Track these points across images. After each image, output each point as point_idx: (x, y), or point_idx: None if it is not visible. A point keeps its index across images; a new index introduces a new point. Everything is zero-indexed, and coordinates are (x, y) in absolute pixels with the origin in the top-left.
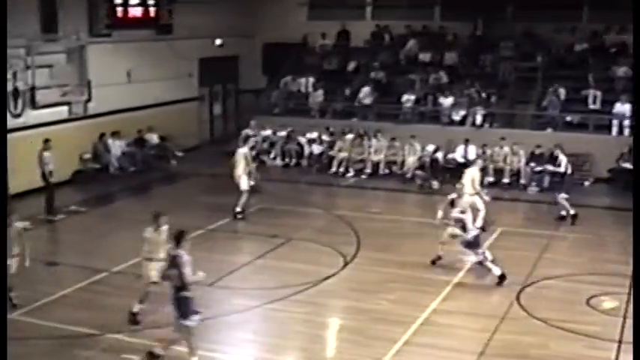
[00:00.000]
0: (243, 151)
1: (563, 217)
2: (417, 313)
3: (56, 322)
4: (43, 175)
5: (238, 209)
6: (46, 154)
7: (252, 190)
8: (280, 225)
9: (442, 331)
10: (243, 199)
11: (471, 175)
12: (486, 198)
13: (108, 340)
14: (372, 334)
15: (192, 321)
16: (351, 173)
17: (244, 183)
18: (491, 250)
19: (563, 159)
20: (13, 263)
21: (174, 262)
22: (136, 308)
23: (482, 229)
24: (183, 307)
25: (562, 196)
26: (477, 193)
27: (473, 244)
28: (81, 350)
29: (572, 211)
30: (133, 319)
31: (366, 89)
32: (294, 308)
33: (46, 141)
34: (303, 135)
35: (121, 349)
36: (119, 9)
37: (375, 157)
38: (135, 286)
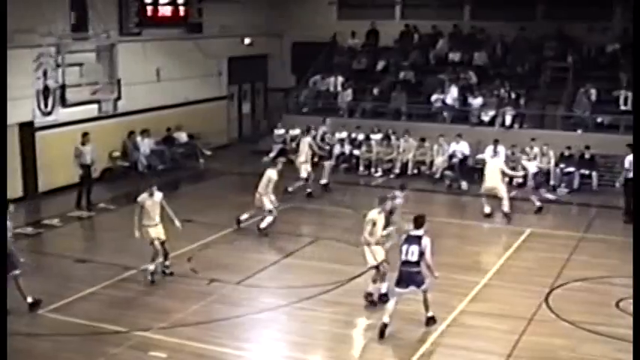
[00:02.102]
0: (307, 140)
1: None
2: (445, 314)
3: (85, 319)
4: (82, 169)
5: (309, 190)
6: (84, 147)
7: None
8: (308, 224)
9: (470, 332)
10: (299, 184)
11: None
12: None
13: (136, 337)
14: (399, 334)
15: (427, 284)
16: (379, 173)
17: (304, 171)
18: (520, 252)
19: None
20: (152, 231)
21: (414, 241)
22: (371, 288)
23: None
24: (418, 277)
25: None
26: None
27: None
28: (109, 347)
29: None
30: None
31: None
32: (321, 307)
33: (85, 134)
34: (332, 134)
35: (148, 347)
36: (149, 8)
37: (403, 157)
38: (164, 284)
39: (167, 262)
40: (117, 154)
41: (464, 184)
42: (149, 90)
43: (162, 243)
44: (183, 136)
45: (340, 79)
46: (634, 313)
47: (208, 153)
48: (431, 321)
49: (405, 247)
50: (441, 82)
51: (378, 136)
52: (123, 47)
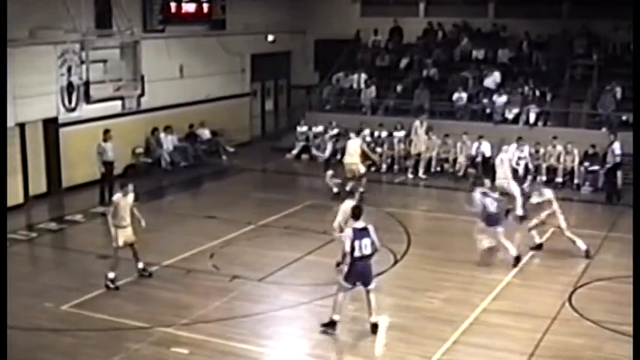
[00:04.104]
0: (357, 142)
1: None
2: (467, 312)
3: (107, 315)
4: (104, 166)
5: (362, 189)
6: (106, 144)
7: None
8: (330, 221)
9: (492, 330)
10: (364, 181)
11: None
12: None
13: (157, 333)
14: (421, 332)
15: (373, 284)
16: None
17: (362, 168)
18: (543, 251)
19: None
20: (120, 234)
21: (364, 234)
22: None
23: None
24: (371, 271)
25: None
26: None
27: None
28: (130, 343)
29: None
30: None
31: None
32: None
33: (106, 132)
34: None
35: (170, 343)
36: (173, 4)
37: (426, 155)
38: (186, 281)
39: (140, 265)
40: (140, 150)
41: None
42: (172, 87)
43: (132, 245)
44: (206, 133)
45: (363, 76)
46: (634, 313)
47: (231, 150)
48: (375, 328)
49: (357, 243)
50: (464, 79)
51: (401, 134)
52: (146, 44)
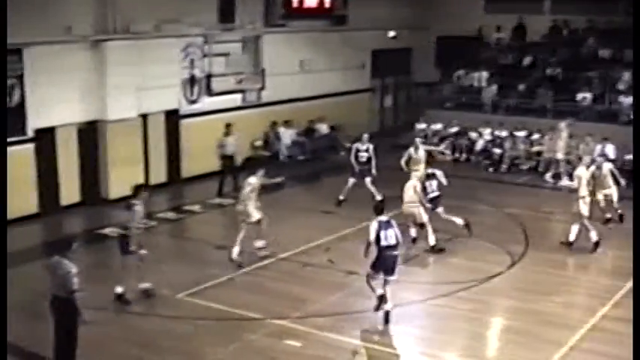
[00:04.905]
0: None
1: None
2: (586, 317)
3: (222, 304)
4: (222, 159)
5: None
6: (227, 138)
7: None
8: (449, 221)
9: (612, 338)
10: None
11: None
12: None
13: (272, 325)
14: (536, 336)
15: (395, 275)
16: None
17: (423, 214)
18: None
19: None
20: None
21: (387, 225)
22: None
23: None
24: (395, 264)
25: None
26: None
27: None
28: (245, 333)
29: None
30: None
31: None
32: (458, 305)
33: (228, 125)
34: (475, 130)
35: (283, 335)
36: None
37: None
38: (301, 274)
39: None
40: (259, 143)
41: None
42: (292, 81)
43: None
44: (324, 128)
45: (485, 74)
46: (634, 314)
47: (348, 145)
48: (388, 315)
49: (383, 233)
50: (589, 79)
51: (523, 134)
52: (268, 38)
